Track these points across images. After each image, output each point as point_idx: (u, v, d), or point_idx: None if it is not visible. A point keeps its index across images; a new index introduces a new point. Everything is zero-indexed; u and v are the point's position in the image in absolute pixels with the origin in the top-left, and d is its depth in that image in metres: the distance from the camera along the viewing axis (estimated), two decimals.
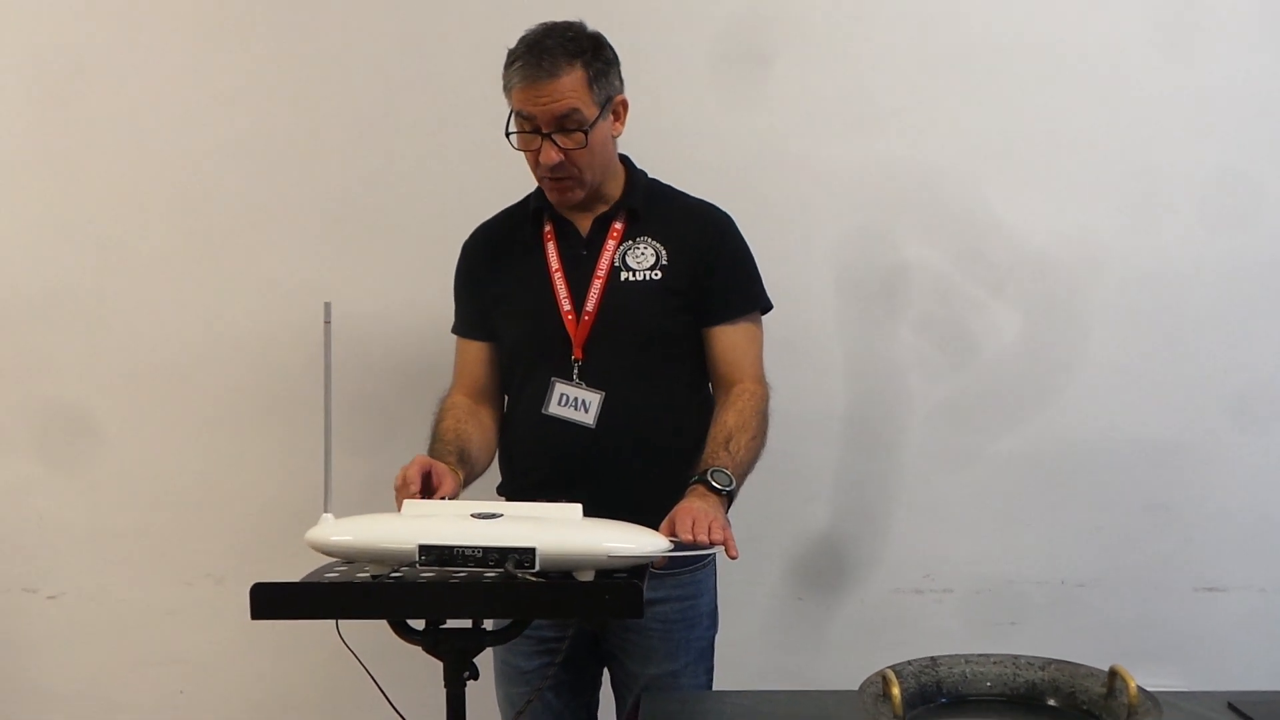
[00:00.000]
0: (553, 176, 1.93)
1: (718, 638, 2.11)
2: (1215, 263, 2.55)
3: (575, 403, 1.97)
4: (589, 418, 1.96)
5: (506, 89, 1.91)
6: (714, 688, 2.09)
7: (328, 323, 1.55)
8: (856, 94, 2.54)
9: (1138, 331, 2.57)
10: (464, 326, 2.11)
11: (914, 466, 2.60)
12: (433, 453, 1.91)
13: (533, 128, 1.89)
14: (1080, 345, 2.57)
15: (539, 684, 1.98)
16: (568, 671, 2.05)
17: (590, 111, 1.89)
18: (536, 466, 2.02)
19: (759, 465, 1.94)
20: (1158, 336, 2.57)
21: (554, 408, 1.97)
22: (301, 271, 2.57)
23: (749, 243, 2.07)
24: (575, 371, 1.97)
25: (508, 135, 1.92)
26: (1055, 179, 2.55)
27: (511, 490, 2.07)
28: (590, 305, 1.97)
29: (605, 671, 2.14)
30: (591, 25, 1.94)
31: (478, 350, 2.09)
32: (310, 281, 2.55)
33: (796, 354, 2.37)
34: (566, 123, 1.88)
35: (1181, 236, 2.55)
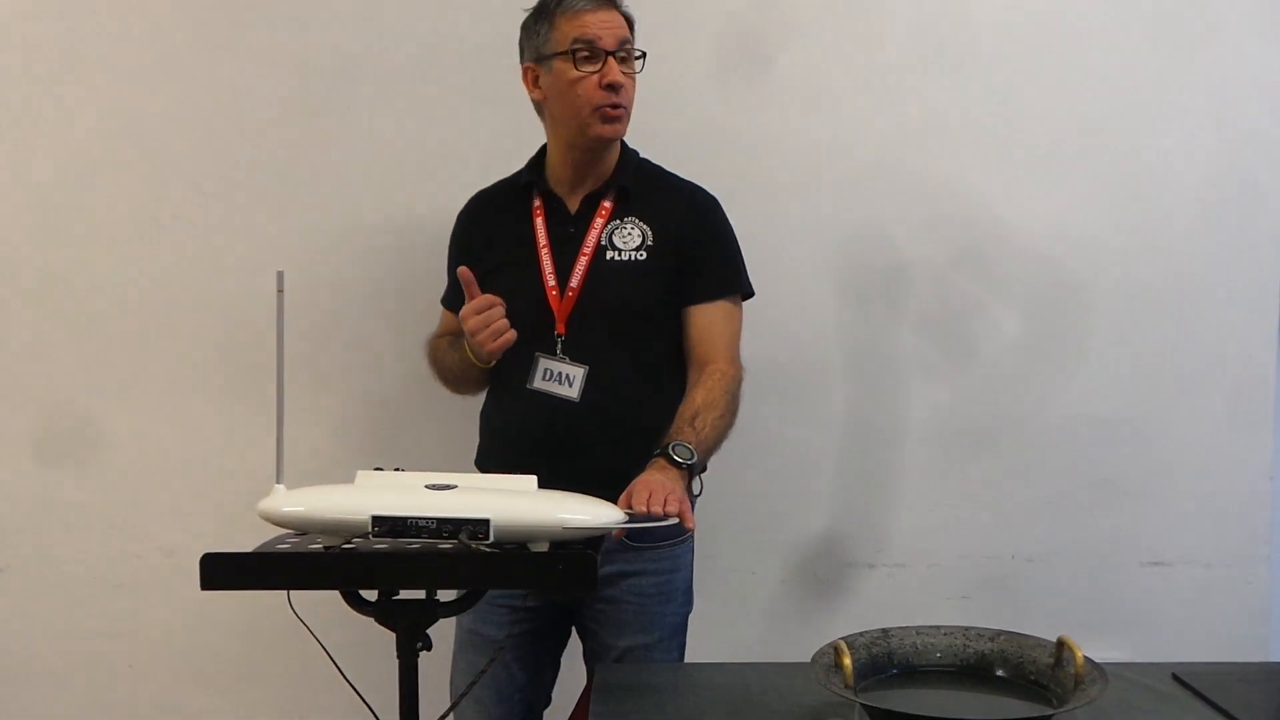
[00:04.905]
0: (612, 103, 1.93)
1: None
2: (1176, 245, 2.58)
3: (559, 377, 1.97)
4: (573, 392, 1.97)
5: (555, 21, 1.92)
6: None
7: (280, 292, 1.53)
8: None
9: (1088, 312, 2.59)
10: (453, 297, 2.10)
11: (867, 442, 2.60)
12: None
13: (592, 53, 1.90)
14: (1034, 327, 2.59)
15: (500, 652, 1.96)
16: (537, 642, 2.06)
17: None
18: (520, 439, 2.02)
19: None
20: (1106, 316, 2.60)
21: (538, 382, 1.98)
22: (253, 240, 2.53)
23: (747, 234, 2.07)
24: (559, 346, 1.98)
25: (537, 62, 1.94)
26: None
27: (492, 463, 2.06)
28: (574, 282, 1.98)
29: (570, 646, 2.14)
30: None
31: None
32: (262, 250, 2.50)
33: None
34: (626, 49, 1.93)
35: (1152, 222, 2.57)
